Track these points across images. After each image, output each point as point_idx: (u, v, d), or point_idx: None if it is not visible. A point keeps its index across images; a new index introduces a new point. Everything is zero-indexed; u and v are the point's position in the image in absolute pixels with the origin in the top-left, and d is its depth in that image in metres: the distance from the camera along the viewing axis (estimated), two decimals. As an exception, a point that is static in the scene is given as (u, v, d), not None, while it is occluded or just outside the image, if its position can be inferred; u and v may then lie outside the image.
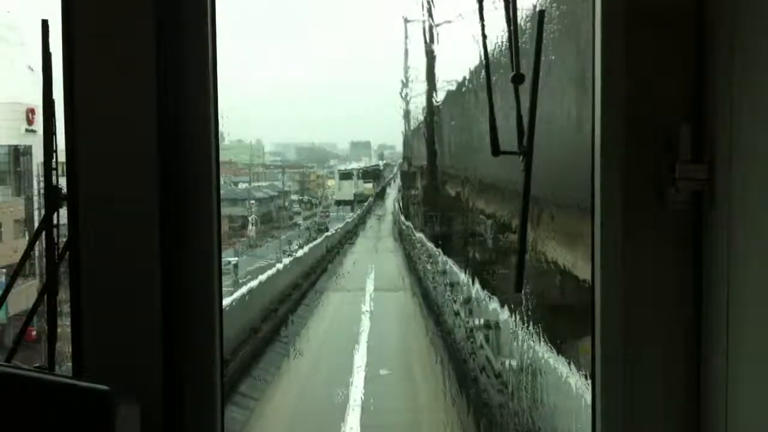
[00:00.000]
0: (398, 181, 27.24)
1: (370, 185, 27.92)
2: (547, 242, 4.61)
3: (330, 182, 28.13)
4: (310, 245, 20.86)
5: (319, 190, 28.35)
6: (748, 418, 1.55)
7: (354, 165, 28.34)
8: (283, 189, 26.36)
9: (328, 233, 24.20)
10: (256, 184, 25.17)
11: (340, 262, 22.20)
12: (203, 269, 1.78)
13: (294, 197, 27.18)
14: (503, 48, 1.89)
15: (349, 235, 26.04)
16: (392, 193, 28.98)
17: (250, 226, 22.54)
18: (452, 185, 12.13)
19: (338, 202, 27.60)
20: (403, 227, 23.55)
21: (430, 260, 14.27)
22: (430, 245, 14.42)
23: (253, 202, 23.26)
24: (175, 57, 1.72)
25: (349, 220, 26.82)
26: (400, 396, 11.42)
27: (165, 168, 1.71)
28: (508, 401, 6.34)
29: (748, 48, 1.53)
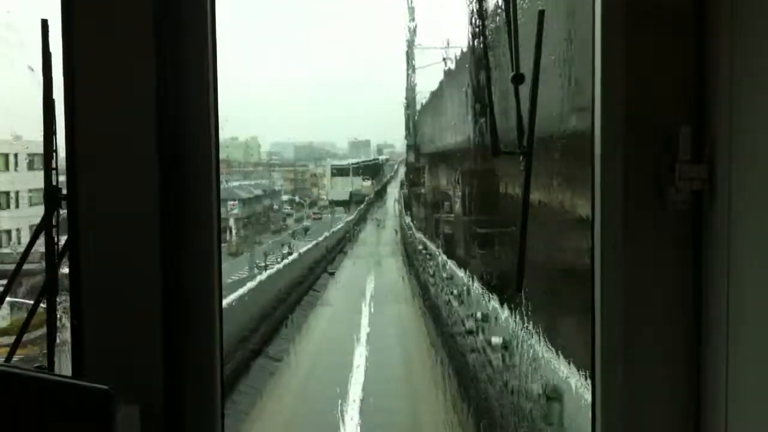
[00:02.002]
0: (401, 179, 22.33)
1: (368, 183, 24.72)
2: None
3: (325, 180, 25.25)
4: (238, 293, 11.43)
5: (314, 189, 26.07)
6: (748, 417, 1.55)
7: (350, 160, 24.86)
8: (271, 188, 23.35)
9: (294, 257, 16.55)
10: (245, 182, 22.19)
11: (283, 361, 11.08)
12: (203, 269, 1.78)
13: (285, 197, 24.42)
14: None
15: (332, 255, 19.33)
16: (393, 193, 24.28)
17: (228, 232, 18.05)
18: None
19: (331, 203, 24.21)
20: (410, 239, 15.90)
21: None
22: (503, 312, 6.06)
23: (234, 202, 19.51)
24: (175, 57, 1.72)
25: (329, 232, 20.62)
26: None
27: (165, 168, 1.71)
28: None
29: (748, 48, 1.53)
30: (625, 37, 1.66)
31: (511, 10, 1.78)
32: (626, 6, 1.66)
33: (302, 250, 18.22)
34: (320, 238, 20.02)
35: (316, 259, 18.47)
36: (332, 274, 18.91)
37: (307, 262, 17.24)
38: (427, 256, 12.93)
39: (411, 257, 16.35)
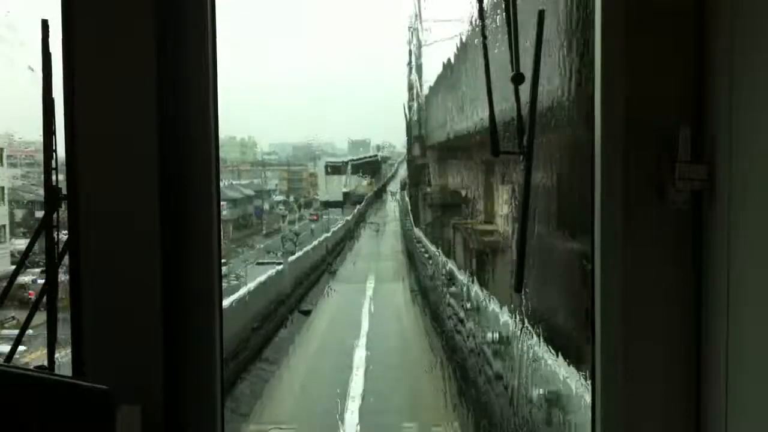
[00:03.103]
0: (401, 179, 20.19)
1: (366, 182, 22.52)
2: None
3: (319, 180, 22.89)
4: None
5: (312, 189, 24.98)
6: (748, 417, 1.55)
7: (348, 157, 22.45)
8: (263, 188, 21.53)
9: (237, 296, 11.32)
10: (236, 182, 20.51)
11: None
12: (203, 269, 1.78)
13: (279, 197, 22.59)
14: None
15: (313, 277, 14.53)
16: (394, 192, 21.75)
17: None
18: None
19: (325, 204, 21.96)
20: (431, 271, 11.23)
21: None
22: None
23: (222, 203, 18.81)
24: (175, 57, 1.72)
25: (310, 246, 17.34)
26: None
27: (165, 168, 1.71)
28: None
29: (748, 48, 1.54)
30: (625, 37, 1.66)
31: (511, 10, 1.78)
32: (626, 6, 1.66)
33: (252, 284, 12.14)
34: (280, 266, 14.42)
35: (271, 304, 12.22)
36: (307, 313, 13.09)
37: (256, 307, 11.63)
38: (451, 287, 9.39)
39: (424, 285, 12.65)
